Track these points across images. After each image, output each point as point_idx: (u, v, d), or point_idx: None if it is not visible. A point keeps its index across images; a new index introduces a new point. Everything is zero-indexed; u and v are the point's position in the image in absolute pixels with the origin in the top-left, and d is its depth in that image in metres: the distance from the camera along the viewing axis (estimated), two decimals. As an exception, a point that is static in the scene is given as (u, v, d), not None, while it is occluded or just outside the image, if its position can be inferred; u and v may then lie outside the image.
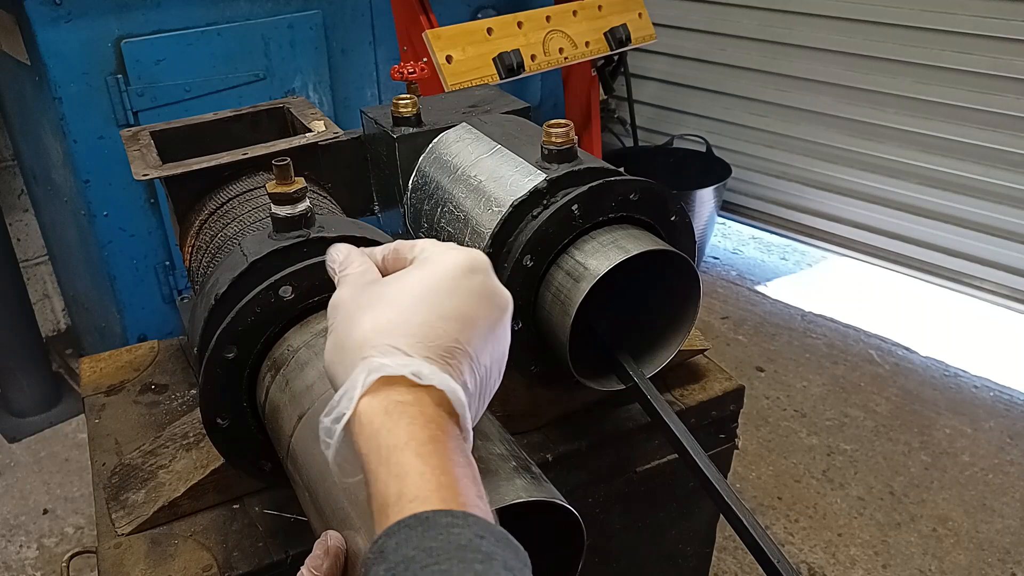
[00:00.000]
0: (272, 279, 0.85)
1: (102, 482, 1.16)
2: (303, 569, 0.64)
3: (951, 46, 2.97)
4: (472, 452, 0.59)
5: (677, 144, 3.85)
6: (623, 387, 1.10)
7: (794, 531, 2.35)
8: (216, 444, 0.91)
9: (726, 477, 1.32)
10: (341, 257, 0.70)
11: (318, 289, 0.87)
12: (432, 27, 2.37)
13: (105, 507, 1.11)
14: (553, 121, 1.09)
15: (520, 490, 0.64)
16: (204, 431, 0.92)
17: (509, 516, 0.63)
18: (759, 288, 3.59)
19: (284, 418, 0.79)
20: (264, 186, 1.05)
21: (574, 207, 1.03)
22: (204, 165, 1.17)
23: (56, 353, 3.11)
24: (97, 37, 2.18)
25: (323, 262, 0.86)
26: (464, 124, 1.27)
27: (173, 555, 1.05)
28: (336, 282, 0.69)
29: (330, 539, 0.65)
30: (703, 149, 3.71)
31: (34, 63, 2.16)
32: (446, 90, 2.26)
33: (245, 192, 1.19)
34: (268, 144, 1.23)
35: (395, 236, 1.10)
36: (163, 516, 1.09)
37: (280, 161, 0.91)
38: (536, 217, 1.05)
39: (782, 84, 3.51)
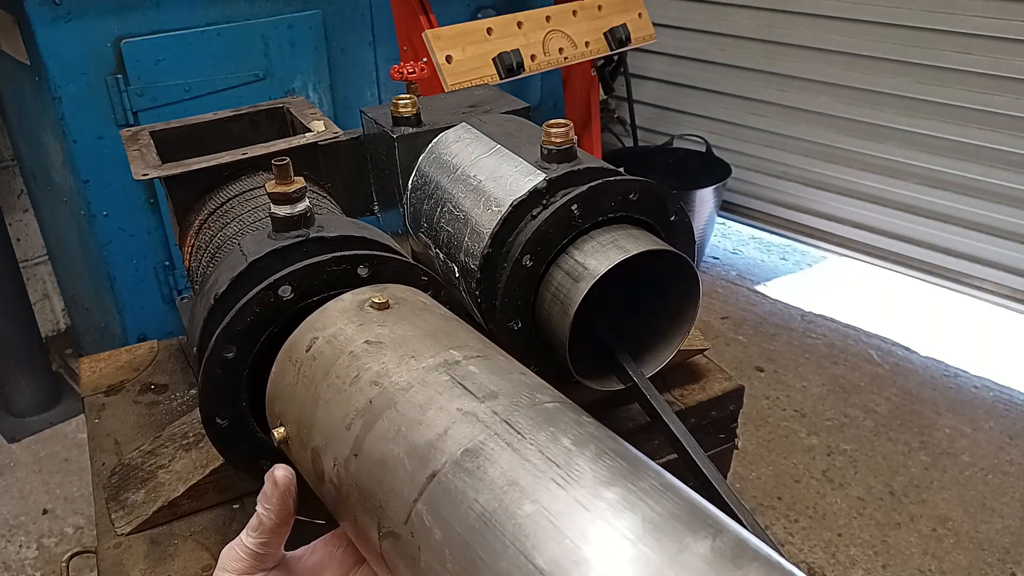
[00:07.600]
0: (271, 279, 0.85)
1: (102, 482, 1.16)
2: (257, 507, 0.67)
3: (951, 46, 2.97)
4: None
5: (677, 144, 3.85)
6: (623, 387, 1.10)
7: (794, 531, 2.35)
8: (215, 444, 0.91)
9: (726, 477, 1.32)
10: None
11: (317, 288, 0.87)
12: (432, 27, 2.37)
13: (105, 507, 1.11)
14: (553, 121, 1.09)
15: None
16: (204, 431, 0.91)
17: None
18: (759, 288, 3.59)
19: (400, 473, 0.62)
20: (264, 186, 1.05)
21: (573, 207, 1.03)
22: (204, 165, 1.17)
23: (56, 353, 3.11)
24: (97, 37, 2.18)
25: (323, 262, 0.87)
26: (464, 124, 1.27)
27: (173, 555, 1.05)
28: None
29: (277, 471, 0.67)
30: (703, 149, 3.71)
31: (34, 63, 2.17)
32: (446, 90, 2.26)
33: (245, 192, 1.19)
34: (268, 144, 1.23)
35: (395, 236, 1.10)
36: (163, 516, 1.09)
37: (280, 161, 0.91)
38: (536, 217, 1.04)
39: (782, 84, 3.51)
